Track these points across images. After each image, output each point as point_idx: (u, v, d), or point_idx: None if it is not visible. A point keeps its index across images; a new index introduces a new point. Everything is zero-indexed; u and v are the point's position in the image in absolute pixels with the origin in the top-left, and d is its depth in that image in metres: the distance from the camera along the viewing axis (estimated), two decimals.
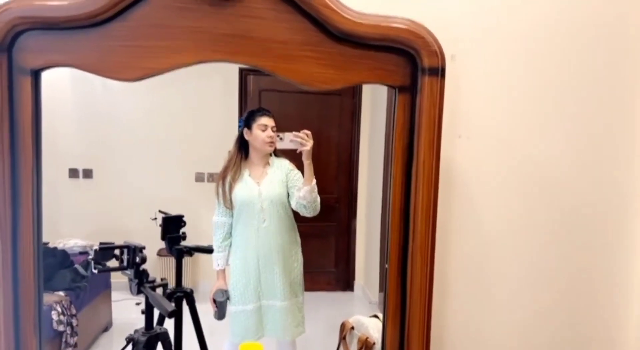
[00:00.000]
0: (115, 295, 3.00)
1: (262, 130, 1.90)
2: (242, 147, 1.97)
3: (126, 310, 3.00)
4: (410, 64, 1.03)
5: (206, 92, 3.25)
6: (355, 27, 0.98)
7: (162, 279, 1.10)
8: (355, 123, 3.71)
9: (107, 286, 2.88)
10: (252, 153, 1.95)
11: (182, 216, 1.27)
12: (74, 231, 2.80)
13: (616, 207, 1.33)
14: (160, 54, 0.98)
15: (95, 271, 1.08)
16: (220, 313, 1.74)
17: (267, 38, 1.00)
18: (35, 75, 0.96)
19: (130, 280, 1.10)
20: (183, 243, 1.25)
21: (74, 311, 2.31)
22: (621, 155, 1.31)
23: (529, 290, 1.34)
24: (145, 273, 1.07)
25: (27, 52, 0.95)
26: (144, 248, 1.09)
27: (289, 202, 1.93)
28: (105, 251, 2.85)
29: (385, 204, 3.24)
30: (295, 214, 1.98)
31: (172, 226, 1.21)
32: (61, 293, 2.29)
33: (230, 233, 1.96)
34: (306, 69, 1.01)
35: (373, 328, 1.57)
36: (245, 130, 1.93)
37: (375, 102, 3.56)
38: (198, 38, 0.99)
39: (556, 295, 1.34)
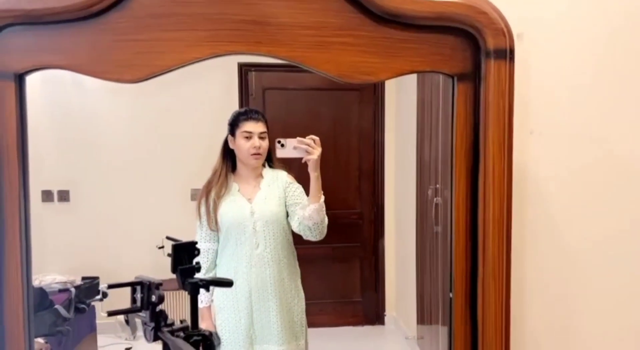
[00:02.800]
0: (101, 339, 2.99)
1: (247, 138, 1.81)
2: (228, 156, 1.90)
3: None
4: (472, 46, 0.99)
5: (201, 95, 3.26)
6: (402, 4, 0.96)
7: (181, 321, 1.06)
8: (378, 123, 3.70)
9: (92, 329, 2.86)
10: (240, 165, 1.88)
11: (195, 243, 1.24)
12: (51, 265, 2.79)
13: None
14: (169, 49, 0.96)
15: (104, 314, 1.05)
16: None
17: (294, 23, 0.98)
18: (20, 79, 0.95)
19: (144, 324, 1.06)
20: (197, 275, 1.22)
21: None
22: None
23: (625, 321, 1.29)
24: (163, 314, 1.04)
25: (9, 53, 0.93)
26: (161, 284, 1.06)
27: (287, 223, 1.87)
28: (90, 288, 2.83)
29: (422, 219, 3.19)
30: (298, 237, 1.90)
31: (183, 255, 1.18)
32: (40, 340, 2.26)
33: (215, 262, 1.89)
34: (344, 58, 0.99)
35: None
36: (229, 137, 1.87)
37: (402, 96, 3.53)
38: (212, 27, 0.97)
39: None
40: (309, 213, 1.75)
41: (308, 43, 0.99)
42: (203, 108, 3.24)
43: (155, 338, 1.05)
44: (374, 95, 3.54)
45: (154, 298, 1.04)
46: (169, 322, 1.05)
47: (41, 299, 2.42)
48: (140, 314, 1.07)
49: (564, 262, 1.24)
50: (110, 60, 0.96)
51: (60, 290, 2.50)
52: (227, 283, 1.37)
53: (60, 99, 2.98)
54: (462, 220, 1.04)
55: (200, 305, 1.82)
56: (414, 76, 2.99)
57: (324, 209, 1.77)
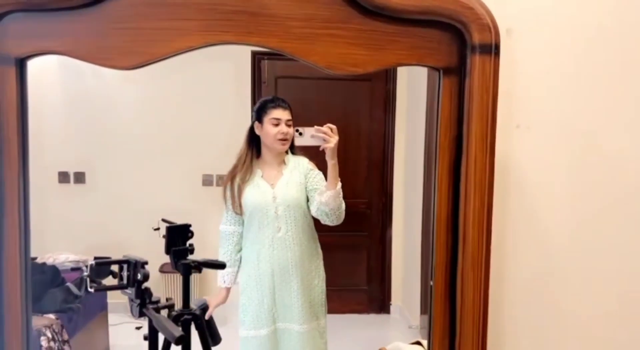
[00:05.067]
0: (112, 318, 3.07)
1: (275, 124, 1.86)
2: (253, 143, 1.95)
3: (125, 336, 3.07)
4: (458, 40, 1.01)
5: (214, 81, 3.30)
6: None
7: (167, 300, 1.11)
8: (389, 113, 3.70)
9: (103, 308, 2.94)
10: (264, 151, 1.93)
11: (189, 225, 1.28)
12: (65, 244, 2.87)
13: None
14: (163, 37, 0.99)
15: (92, 290, 1.09)
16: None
17: (285, 15, 1.00)
18: (21, 64, 0.99)
19: (131, 300, 1.11)
20: (190, 257, 1.26)
21: (66, 337, 2.36)
22: None
23: (606, 314, 1.30)
24: (148, 292, 1.08)
25: (11, 38, 0.97)
26: (146, 263, 1.10)
27: (308, 207, 1.91)
28: (102, 267, 2.92)
29: (428, 209, 3.20)
30: (316, 222, 1.96)
31: (177, 237, 1.22)
32: (52, 316, 2.35)
33: (241, 245, 1.96)
34: (332, 50, 1.01)
35: None
36: (256, 123, 1.91)
37: (413, 88, 3.52)
38: (205, 17, 0.99)
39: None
40: (325, 199, 1.79)
41: (297, 34, 1.01)
42: (216, 95, 3.28)
43: (141, 314, 1.09)
44: (386, 86, 3.54)
45: (139, 276, 1.08)
46: (154, 299, 1.09)
47: (53, 276, 2.50)
48: (126, 291, 1.11)
49: (544, 254, 1.25)
50: (107, 47, 0.99)
51: (72, 269, 2.58)
52: (219, 265, 1.41)
53: (77, 85, 3.04)
54: (444, 212, 1.05)
55: (223, 285, 1.88)
56: (424, 68, 2.98)
57: (341, 195, 1.81)
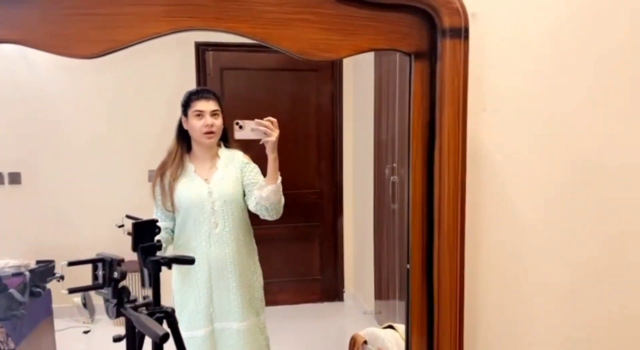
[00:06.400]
0: (58, 323, 2.92)
1: (198, 116, 1.80)
2: (183, 138, 1.88)
3: (72, 341, 2.94)
4: (428, 25, 1.02)
5: (157, 74, 3.18)
6: None
7: (144, 298, 1.06)
8: (336, 103, 3.71)
9: (48, 313, 2.79)
10: (194, 145, 1.86)
11: (156, 221, 1.23)
12: (4, 249, 2.70)
13: None
14: (125, 23, 0.94)
15: (65, 291, 1.02)
16: None
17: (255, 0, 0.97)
18: None
19: (106, 301, 1.05)
20: (159, 253, 1.21)
21: (12, 345, 2.23)
22: None
23: (572, 294, 1.35)
24: (125, 291, 1.02)
25: None
26: (122, 261, 1.04)
27: (244, 202, 1.87)
28: (45, 270, 2.75)
29: (379, 197, 3.22)
30: (256, 216, 1.90)
31: (144, 233, 1.17)
32: None
33: (172, 240, 1.88)
34: (304, 35, 0.99)
35: (390, 341, 1.57)
36: (183, 118, 1.85)
37: (359, 77, 3.55)
38: (170, 2, 0.95)
39: (604, 291, 1.36)
40: (266, 194, 1.75)
41: (269, 20, 0.99)
42: (160, 88, 3.16)
43: (118, 315, 1.04)
44: (332, 75, 3.54)
45: (115, 274, 1.03)
46: (131, 298, 1.04)
47: None
48: (102, 291, 1.05)
49: (517, 233, 1.28)
50: (64, 34, 0.93)
51: (14, 274, 2.43)
52: (189, 260, 1.37)
53: (7, 76, 2.85)
54: (419, 195, 1.07)
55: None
56: (371, 56, 3.01)
57: (281, 190, 1.78)
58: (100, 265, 1.06)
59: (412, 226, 1.07)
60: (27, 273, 2.56)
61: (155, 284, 1.15)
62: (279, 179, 1.75)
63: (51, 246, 2.73)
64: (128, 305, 1.02)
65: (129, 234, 1.20)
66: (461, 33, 1.01)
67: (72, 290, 1.04)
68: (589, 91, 1.30)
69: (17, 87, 2.89)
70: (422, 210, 1.07)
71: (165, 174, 1.83)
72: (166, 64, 3.11)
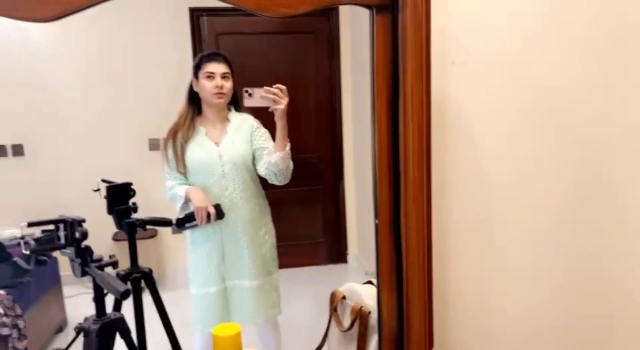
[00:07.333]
0: (67, 290, 3.00)
1: (209, 78, 1.81)
2: (194, 100, 1.89)
3: (83, 307, 3.00)
4: None
5: (152, 42, 3.16)
6: None
7: (110, 257, 1.08)
8: (334, 66, 3.66)
9: (55, 280, 2.87)
10: (205, 107, 1.88)
11: (130, 184, 1.24)
12: (8, 219, 2.76)
13: None
14: None
15: (27, 252, 1.05)
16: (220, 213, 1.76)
17: None
18: None
19: (71, 260, 1.08)
20: (134, 216, 1.22)
21: (19, 311, 2.30)
22: None
23: (540, 243, 1.36)
24: (88, 250, 1.05)
25: None
26: (83, 221, 1.07)
27: (254, 165, 1.89)
28: (49, 238, 2.82)
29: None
30: (264, 180, 1.93)
31: (119, 196, 1.18)
32: (2, 291, 2.27)
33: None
34: None
35: (368, 295, 1.59)
36: (194, 80, 1.86)
37: (356, 38, 3.49)
38: None
39: (570, 249, 1.36)
40: (275, 160, 1.77)
41: None
42: (156, 57, 3.16)
43: (84, 273, 1.07)
44: (329, 37, 3.49)
45: (77, 234, 1.05)
46: (95, 257, 1.07)
47: None
48: (66, 250, 1.08)
49: (484, 185, 1.27)
50: None
51: (18, 244, 2.49)
52: (166, 222, 1.39)
53: (2, 50, 2.86)
54: (385, 150, 1.06)
55: (182, 193, 1.82)
56: (366, 16, 2.95)
57: (290, 156, 1.79)
58: (62, 225, 1.08)
59: (379, 182, 1.08)
60: (32, 242, 2.63)
61: (132, 245, 1.17)
62: (288, 145, 1.77)
63: (55, 215, 2.78)
64: (93, 264, 1.05)
65: (105, 197, 1.22)
66: None
67: (32, 251, 1.07)
68: (556, 41, 1.27)
69: (13, 61, 2.91)
70: (388, 165, 1.07)
71: (177, 136, 1.85)
72: (162, 31, 3.09)
